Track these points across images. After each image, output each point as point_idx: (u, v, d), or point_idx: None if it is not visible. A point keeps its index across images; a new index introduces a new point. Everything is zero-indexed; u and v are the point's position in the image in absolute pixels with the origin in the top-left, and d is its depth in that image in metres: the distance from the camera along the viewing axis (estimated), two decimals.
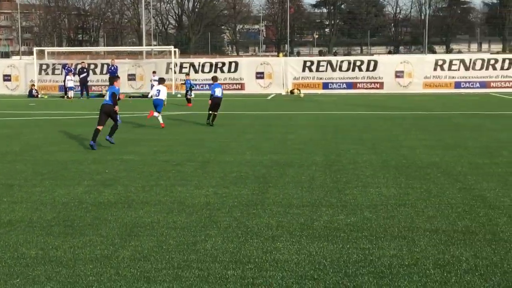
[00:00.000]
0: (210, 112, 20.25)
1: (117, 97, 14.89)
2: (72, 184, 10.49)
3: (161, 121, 19.78)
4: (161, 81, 21.46)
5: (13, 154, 14.14)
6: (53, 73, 43.24)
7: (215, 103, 20.20)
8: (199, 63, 43.13)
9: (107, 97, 15.05)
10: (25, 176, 11.21)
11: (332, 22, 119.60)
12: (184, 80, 33.96)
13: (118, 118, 15.08)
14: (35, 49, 44.88)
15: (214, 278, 5.90)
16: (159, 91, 20.25)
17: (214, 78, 21.41)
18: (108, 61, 42.89)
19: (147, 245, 6.93)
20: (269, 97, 37.34)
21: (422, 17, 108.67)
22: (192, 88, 32.64)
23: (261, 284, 5.74)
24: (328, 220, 7.96)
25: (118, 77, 15.84)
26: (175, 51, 42.78)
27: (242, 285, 5.73)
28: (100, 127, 14.83)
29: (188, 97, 31.50)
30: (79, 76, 39.36)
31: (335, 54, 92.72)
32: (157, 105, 20.11)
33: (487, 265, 6.22)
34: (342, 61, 42.41)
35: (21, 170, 11.92)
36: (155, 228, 7.64)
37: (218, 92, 20.29)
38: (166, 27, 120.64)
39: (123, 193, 9.69)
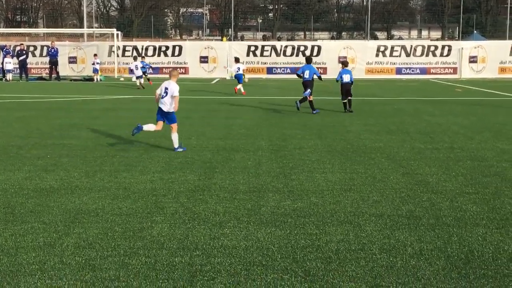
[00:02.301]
0: (345, 99, 19.62)
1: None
2: (12, 169, 10.20)
3: (242, 90, 26.92)
4: (237, 60, 29.36)
5: None
6: None
7: (347, 89, 19.56)
8: (143, 46, 42.54)
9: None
10: None
11: (276, 7, 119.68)
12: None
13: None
14: None
15: (161, 265, 5.82)
16: (239, 68, 27.73)
17: (345, 63, 20.59)
18: (48, 43, 41.86)
19: (92, 232, 6.78)
20: (213, 82, 37.16)
21: (365, 3, 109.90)
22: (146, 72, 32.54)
23: (209, 271, 5.70)
24: (275, 206, 7.96)
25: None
26: (117, 34, 42.06)
27: (190, 272, 5.67)
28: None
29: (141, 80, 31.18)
30: (17, 58, 38.31)
31: (279, 39, 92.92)
32: (239, 78, 27.39)
33: (431, 249, 6.32)
34: (286, 46, 42.56)
35: None
36: (99, 214, 7.49)
37: (346, 78, 19.58)
38: (108, 9, 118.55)
39: (65, 179, 9.47)
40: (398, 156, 11.58)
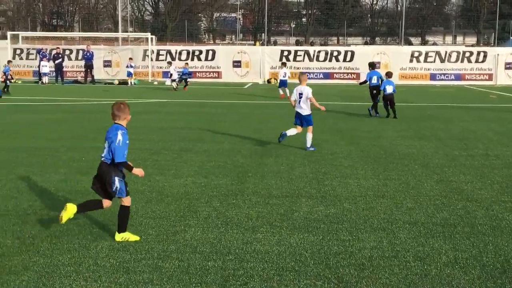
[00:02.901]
0: (386, 107, 19.67)
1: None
2: (48, 171, 10.34)
3: (281, 92, 27.75)
4: (284, 64, 29.54)
5: None
6: (27, 58, 42.63)
7: (389, 99, 19.47)
8: (176, 50, 42.82)
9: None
10: None
11: (309, 12, 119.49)
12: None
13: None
14: (9, 33, 44.22)
15: (194, 269, 5.85)
16: (285, 73, 27.89)
17: (389, 74, 20.30)
18: (84, 47, 42.39)
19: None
20: (246, 86, 37.23)
21: (399, 8, 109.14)
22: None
23: (242, 276, 5.71)
24: (308, 211, 7.94)
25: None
26: (151, 38, 42.42)
27: (223, 276, 5.69)
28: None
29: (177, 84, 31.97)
30: (54, 61, 38.84)
31: (312, 44, 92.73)
32: (285, 83, 27.59)
33: (466, 258, 6.25)
34: (319, 51, 42.44)
35: None
36: (133, 217, 7.55)
37: (389, 89, 19.43)
38: (142, 13, 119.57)
39: None
40: (432, 163, 11.47)
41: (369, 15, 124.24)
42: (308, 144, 12.96)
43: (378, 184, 9.59)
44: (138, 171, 6.64)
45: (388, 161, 11.66)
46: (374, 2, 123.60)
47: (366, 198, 8.69)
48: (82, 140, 13.92)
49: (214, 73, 41.64)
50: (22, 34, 48.42)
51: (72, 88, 33.93)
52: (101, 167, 6.70)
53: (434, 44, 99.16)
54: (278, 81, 29.13)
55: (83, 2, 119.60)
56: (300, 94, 12.88)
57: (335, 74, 41.41)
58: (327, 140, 14.30)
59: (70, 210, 6.53)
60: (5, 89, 28.15)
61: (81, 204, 6.76)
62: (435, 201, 8.55)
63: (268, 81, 40.10)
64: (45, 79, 37.40)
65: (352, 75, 41.19)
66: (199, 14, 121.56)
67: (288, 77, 28.45)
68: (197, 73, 41.36)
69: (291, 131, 13.11)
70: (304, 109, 12.89)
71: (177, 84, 32.17)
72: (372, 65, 21.10)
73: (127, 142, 6.63)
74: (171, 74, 32.96)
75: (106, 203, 6.76)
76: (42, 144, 13.36)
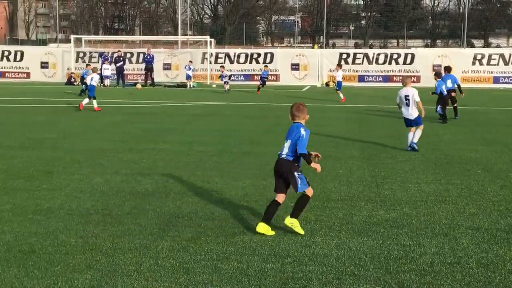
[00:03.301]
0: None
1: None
2: (109, 172, 10.54)
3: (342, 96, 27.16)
4: (340, 66, 29.41)
5: (52, 141, 14.26)
6: (89, 61, 43.52)
7: (451, 97, 19.45)
8: (235, 53, 43.09)
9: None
10: (63, 164, 11.29)
11: (369, 14, 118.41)
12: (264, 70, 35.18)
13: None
14: (72, 37, 45.31)
15: (253, 271, 5.86)
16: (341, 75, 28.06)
17: (448, 68, 20.35)
18: (144, 50, 43.07)
19: (185, 236, 6.91)
20: (304, 89, 37.16)
21: (461, 10, 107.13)
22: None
23: (300, 279, 5.69)
24: (367, 215, 7.86)
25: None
26: (210, 41, 42.74)
27: (282, 279, 5.68)
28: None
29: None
30: (115, 64, 39.57)
31: (371, 46, 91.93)
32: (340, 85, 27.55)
33: None
34: (378, 54, 42.00)
35: (59, 157, 12.02)
36: (193, 219, 7.62)
37: (449, 84, 19.43)
38: (201, 17, 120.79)
39: (160, 183, 9.70)
40: (495, 168, 11.20)
41: (430, 17, 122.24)
42: (415, 140, 12.95)
43: (440, 189, 9.41)
44: (316, 166, 7.02)
45: (449, 165, 11.43)
46: (436, 3, 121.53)
47: (427, 203, 8.55)
48: (142, 142, 14.13)
49: (272, 76, 41.68)
50: (85, 37, 49.54)
51: (133, 91, 34.49)
52: (282, 165, 7.13)
53: (498, 46, 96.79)
54: (336, 83, 28.87)
55: (144, 6, 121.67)
56: (407, 97, 12.87)
57: (394, 77, 40.81)
58: (386, 144, 14.12)
59: (265, 230, 6.93)
60: (83, 92, 28.65)
61: (264, 217, 7.04)
62: (499, 207, 8.34)
63: (327, 84, 39.91)
64: (107, 82, 38.14)
65: (412, 78, 40.55)
66: (258, 17, 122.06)
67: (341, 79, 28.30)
68: (255, 76, 41.51)
69: (411, 136, 13.03)
70: (413, 113, 12.93)
71: (227, 88, 32.67)
72: (448, 69, 20.60)
73: (308, 137, 7.10)
74: (223, 77, 33.35)
75: (281, 198, 7.12)
76: (104, 145, 13.63)
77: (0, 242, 6.63)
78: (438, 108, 18.91)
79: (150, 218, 7.62)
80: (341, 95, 27.47)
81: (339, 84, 28.07)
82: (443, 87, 19.14)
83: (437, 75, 19.99)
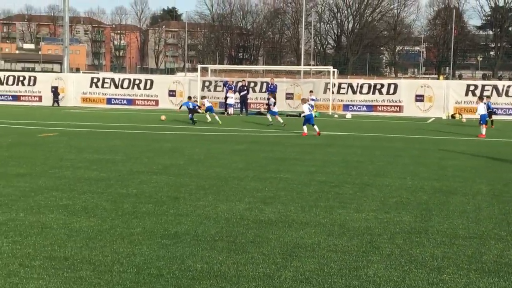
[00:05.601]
0: None
1: None
2: (233, 200, 10.72)
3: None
4: (481, 99, 26.82)
5: (177, 167, 14.71)
6: (214, 90, 44.76)
7: None
8: (358, 84, 42.91)
9: None
10: (189, 190, 11.61)
11: (498, 45, 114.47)
12: None
13: None
14: (199, 66, 46.78)
15: None
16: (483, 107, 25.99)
17: None
18: (267, 79, 43.79)
19: (308, 267, 6.88)
20: (428, 121, 36.32)
21: None
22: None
23: None
24: (498, 255, 7.51)
25: None
26: (333, 71, 42.79)
27: None
28: None
29: None
30: (239, 93, 40.44)
31: (500, 78, 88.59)
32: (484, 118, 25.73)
33: None
34: (509, 86, 40.37)
35: (185, 183, 12.37)
36: (315, 250, 7.59)
37: None
38: (324, 47, 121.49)
39: (283, 212, 9.75)
40: None
41: None
42: None
43: None
44: None
45: None
46: None
47: None
48: (265, 171, 14.29)
49: (395, 107, 41.09)
50: (210, 67, 51.03)
51: (255, 119, 35.05)
52: None
53: None
54: (479, 115, 26.19)
55: (268, 36, 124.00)
56: None
57: None
58: None
59: None
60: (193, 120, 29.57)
61: None
62: None
63: (452, 116, 38.83)
64: (230, 110, 39.04)
65: None
66: (381, 48, 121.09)
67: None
68: (378, 107, 41.10)
69: None
70: None
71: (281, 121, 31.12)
72: None
73: None
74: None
75: None
76: (228, 173, 13.89)
77: (131, 264, 6.88)
78: None
79: (273, 247, 7.66)
80: (483, 131, 25.46)
81: (483, 117, 25.83)
82: None
83: None
